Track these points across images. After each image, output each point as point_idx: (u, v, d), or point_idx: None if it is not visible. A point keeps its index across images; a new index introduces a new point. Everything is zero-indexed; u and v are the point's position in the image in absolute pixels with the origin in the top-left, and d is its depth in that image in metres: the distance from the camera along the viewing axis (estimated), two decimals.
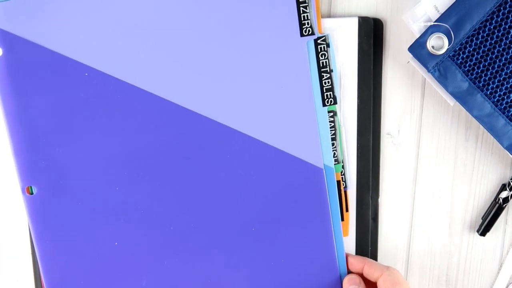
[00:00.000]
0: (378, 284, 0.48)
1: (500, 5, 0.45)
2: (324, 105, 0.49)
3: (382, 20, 0.50)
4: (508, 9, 0.45)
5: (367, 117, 0.51)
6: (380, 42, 0.51)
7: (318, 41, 0.48)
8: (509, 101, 0.47)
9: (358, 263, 0.50)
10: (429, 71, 0.47)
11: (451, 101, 0.48)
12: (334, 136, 0.50)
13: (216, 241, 0.49)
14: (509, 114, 0.47)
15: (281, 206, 0.49)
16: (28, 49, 0.46)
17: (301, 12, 0.47)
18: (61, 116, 0.47)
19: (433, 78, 0.47)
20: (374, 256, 0.53)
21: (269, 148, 0.48)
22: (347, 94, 0.50)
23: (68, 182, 0.48)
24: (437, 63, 0.46)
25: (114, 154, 0.48)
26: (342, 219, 0.51)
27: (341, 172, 0.51)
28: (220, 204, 0.49)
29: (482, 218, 0.53)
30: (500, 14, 0.45)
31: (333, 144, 0.50)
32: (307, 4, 0.47)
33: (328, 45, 0.48)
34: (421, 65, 0.47)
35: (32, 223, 0.48)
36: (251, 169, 0.49)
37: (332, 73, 0.49)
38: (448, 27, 0.46)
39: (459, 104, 0.48)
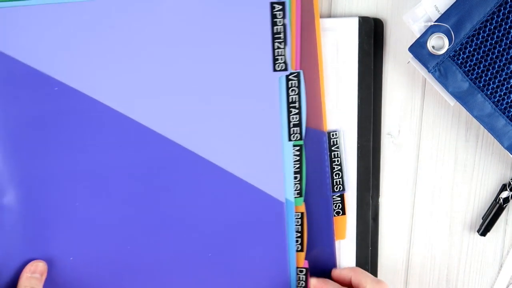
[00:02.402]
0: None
1: (500, 5, 0.45)
2: (289, 139, 0.49)
3: (382, 20, 0.50)
4: (508, 9, 0.45)
5: (367, 117, 0.51)
6: (380, 42, 0.51)
7: (290, 77, 0.48)
8: (509, 101, 0.47)
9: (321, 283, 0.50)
10: (429, 71, 0.47)
11: (451, 101, 0.48)
12: (298, 170, 0.50)
13: (173, 264, 0.49)
14: (510, 114, 0.47)
15: (239, 235, 0.49)
16: None
17: (275, 47, 0.47)
18: (28, 128, 0.46)
19: (434, 78, 0.47)
20: (374, 256, 0.53)
21: (233, 177, 0.48)
22: (347, 94, 0.50)
23: (35, 195, 0.47)
24: (437, 63, 0.46)
25: (77, 170, 0.47)
26: (302, 250, 0.51)
27: (339, 175, 0.51)
28: (178, 228, 0.49)
29: (482, 218, 0.53)
30: (501, 14, 0.45)
31: (296, 178, 0.49)
32: (282, 40, 0.47)
33: (299, 82, 0.48)
34: (421, 65, 0.47)
35: None
36: (213, 196, 0.48)
37: (301, 109, 0.49)
38: (449, 27, 0.45)
39: (460, 104, 0.48)
